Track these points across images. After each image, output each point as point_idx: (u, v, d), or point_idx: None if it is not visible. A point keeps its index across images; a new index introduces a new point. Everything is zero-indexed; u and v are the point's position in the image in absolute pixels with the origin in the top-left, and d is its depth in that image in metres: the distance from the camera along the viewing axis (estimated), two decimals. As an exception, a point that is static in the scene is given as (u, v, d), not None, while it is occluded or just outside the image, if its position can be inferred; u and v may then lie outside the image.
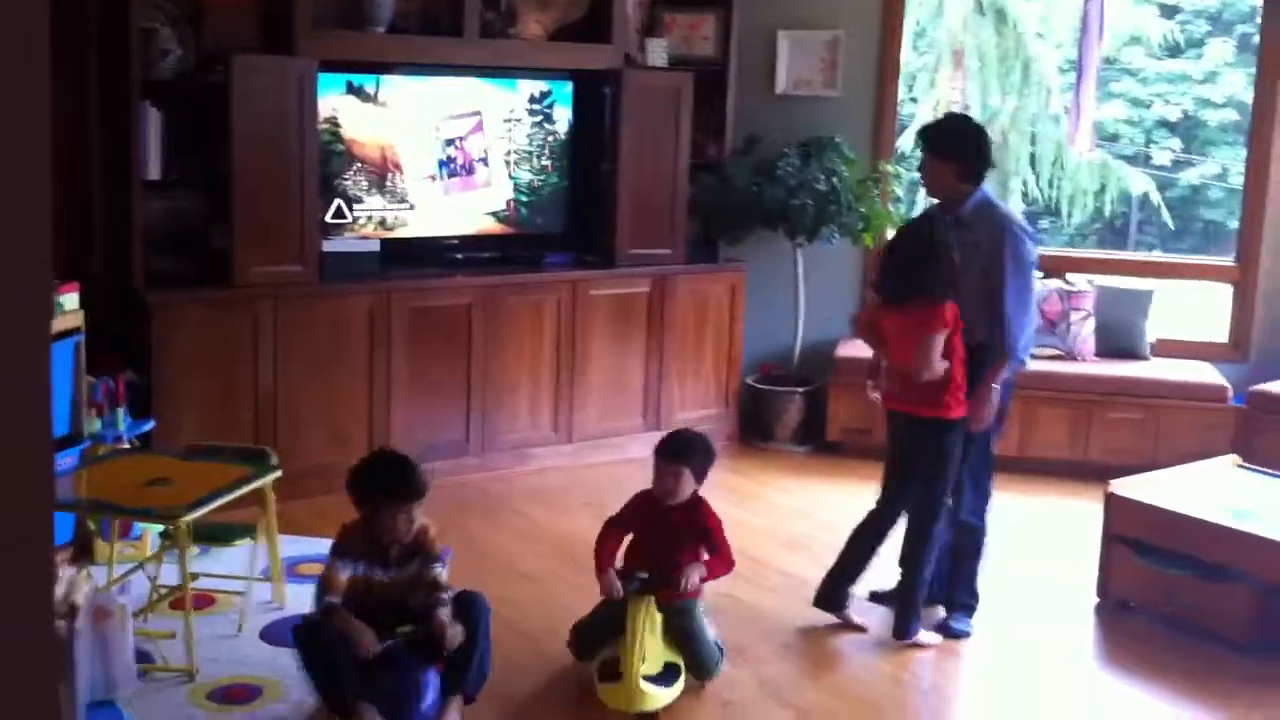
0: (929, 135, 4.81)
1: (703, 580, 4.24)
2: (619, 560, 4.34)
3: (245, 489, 4.33)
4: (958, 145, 4.69)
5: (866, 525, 4.80)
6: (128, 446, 5.04)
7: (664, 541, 4.29)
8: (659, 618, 4.17)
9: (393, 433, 6.00)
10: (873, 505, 4.83)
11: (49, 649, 1.61)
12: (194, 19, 5.67)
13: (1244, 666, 4.61)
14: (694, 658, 4.22)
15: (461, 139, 6.35)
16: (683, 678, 4.16)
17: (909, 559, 4.67)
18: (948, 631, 4.78)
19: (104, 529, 4.78)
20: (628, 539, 4.39)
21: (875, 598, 4.94)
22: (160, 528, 4.66)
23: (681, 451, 4.34)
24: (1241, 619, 4.69)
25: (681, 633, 4.21)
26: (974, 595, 4.86)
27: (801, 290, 7.00)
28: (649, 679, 4.02)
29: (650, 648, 4.08)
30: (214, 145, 5.63)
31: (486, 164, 6.42)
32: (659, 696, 4.03)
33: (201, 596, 4.57)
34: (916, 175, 5.42)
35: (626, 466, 6.59)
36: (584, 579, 5.13)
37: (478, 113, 6.39)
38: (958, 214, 4.69)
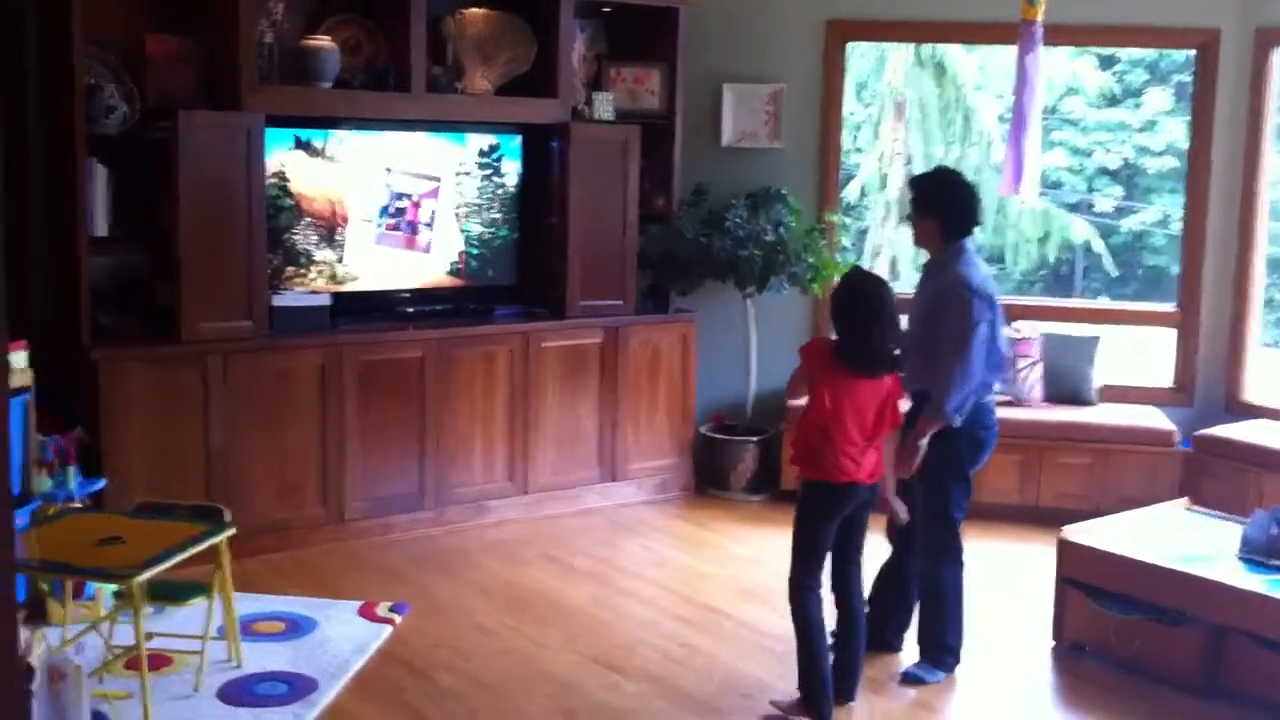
0: (915, 190, 4.85)
1: None
2: None
3: (199, 547, 4.28)
4: (942, 202, 4.73)
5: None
6: (79, 506, 4.97)
7: None
8: None
9: (346, 487, 5.96)
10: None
11: (12, 711, 1.60)
12: (138, 74, 5.65)
13: (1197, 709, 4.64)
14: None
15: (416, 198, 6.36)
16: None
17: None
18: (905, 676, 4.79)
19: (57, 589, 4.71)
20: None
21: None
22: (114, 587, 4.58)
23: None
24: (1194, 662, 4.73)
25: None
26: (939, 646, 4.83)
27: (753, 339, 7.04)
28: None
29: None
30: (160, 201, 5.60)
31: (431, 227, 6.42)
32: None
33: (157, 656, 4.50)
34: (862, 225, 5.49)
35: (583, 517, 6.59)
36: (543, 631, 5.13)
37: (438, 178, 6.41)
38: (931, 261, 4.78)
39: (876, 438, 4.40)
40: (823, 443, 4.35)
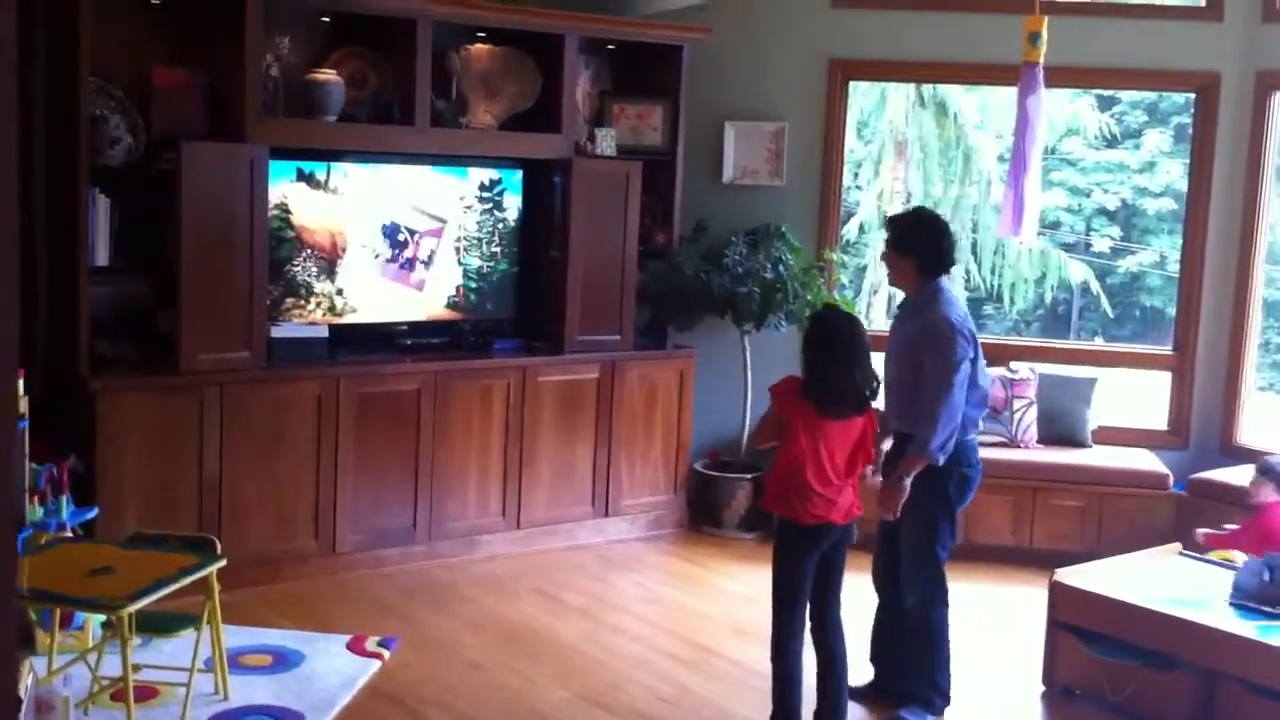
0: (892, 230, 4.84)
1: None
2: None
3: (189, 578, 4.28)
4: (918, 241, 4.73)
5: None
6: (70, 535, 4.98)
7: None
8: None
9: (339, 520, 5.97)
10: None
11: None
12: (144, 106, 5.69)
13: (1189, 754, 4.63)
14: None
15: (418, 236, 6.39)
16: None
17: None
18: None
19: (45, 619, 4.70)
20: None
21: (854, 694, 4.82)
22: (102, 618, 4.59)
23: None
24: (1186, 707, 4.72)
25: None
26: (930, 688, 4.79)
27: (749, 377, 7.05)
28: None
29: None
30: (162, 231, 5.63)
31: (428, 266, 6.44)
32: None
33: (144, 688, 4.49)
34: (861, 263, 5.51)
35: (576, 553, 6.59)
36: (534, 667, 5.12)
37: (444, 220, 6.44)
38: (908, 300, 4.79)
39: (851, 475, 4.40)
40: (794, 482, 4.35)
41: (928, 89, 13.62)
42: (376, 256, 6.30)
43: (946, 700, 4.84)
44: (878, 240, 14.30)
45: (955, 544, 4.83)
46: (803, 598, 4.44)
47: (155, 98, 5.72)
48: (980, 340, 4.75)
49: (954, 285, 4.89)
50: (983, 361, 4.77)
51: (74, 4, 5.31)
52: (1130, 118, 15.59)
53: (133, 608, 4.00)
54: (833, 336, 4.36)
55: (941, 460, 4.56)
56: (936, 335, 4.58)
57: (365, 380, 6.02)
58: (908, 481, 4.57)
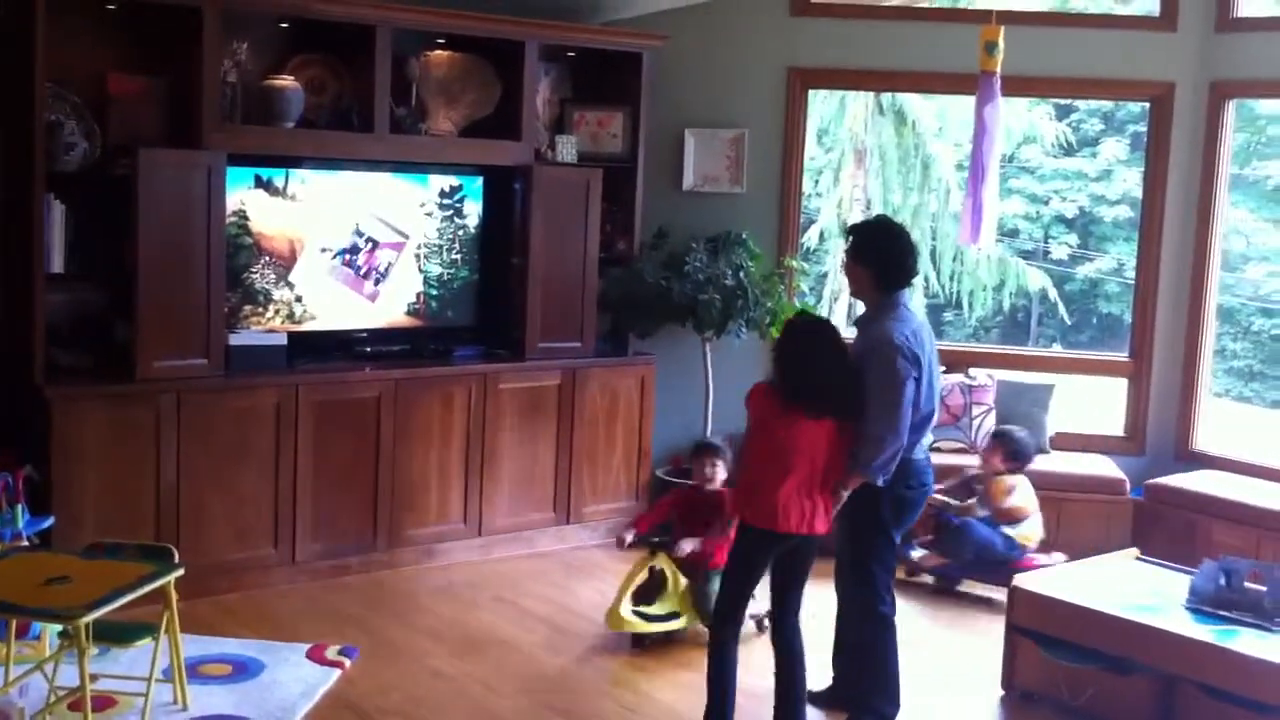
0: (852, 238, 4.77)
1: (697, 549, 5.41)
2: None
3: (147, 588, 4.24)
4: (877, 253, 4.65)
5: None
6: (26, 544, 4.93)
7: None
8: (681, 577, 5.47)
9: (298, 529, 5.93)
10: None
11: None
12: (100, 112, 5.65)
13: (1146, 757, 4.67)
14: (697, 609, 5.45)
15: (378, 242, 6.36)
16: (672, 622, 5.44)
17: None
18: None
19: (1, 629, 4.65)
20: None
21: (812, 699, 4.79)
22: (59, 627, 4.54)
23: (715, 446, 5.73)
24: (1144, 711, 4.76)
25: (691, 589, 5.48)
26: (866, 709, 4.72)
27: (710, 383, 7.06)
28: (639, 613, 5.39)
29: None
30: (119, 238, 5.58)
31: (388, 273, 6.42)
32: (635, 623, 5.38)
33: (101, 698, 4.45)
34: (821, 269, 5.48)
35: (537, 560, 6.57)
36: (495, 675, 5.10)
37: (406, 235, 6.44)
38: (864, 313, 4.76)
39: (826, 481, 4.39)
40: (752, 485, 4.40)
41: (886, 97, 13.69)
42: (336, 263, 6.28)
43: None
44: (838, 247, 14.38)
45: (895, 562, 4.80)
46: (744, 600, 4.52)
47: (111, 104, 5.68)
48: (939, 347, 4.70)
49: (913, 296, 4.84)
50: (938, 382, 4.69)
51: (29, 9, 5.27)
52: (1087, 126, 15.72)
53: (90, 617, 3.96)
54: (805, 337, 4.38)
55: (880, 481, 4.47)
56: (878, 355, 4.47)
57: (325, 388, 5.99)
58: (844, 494, 4.49)
